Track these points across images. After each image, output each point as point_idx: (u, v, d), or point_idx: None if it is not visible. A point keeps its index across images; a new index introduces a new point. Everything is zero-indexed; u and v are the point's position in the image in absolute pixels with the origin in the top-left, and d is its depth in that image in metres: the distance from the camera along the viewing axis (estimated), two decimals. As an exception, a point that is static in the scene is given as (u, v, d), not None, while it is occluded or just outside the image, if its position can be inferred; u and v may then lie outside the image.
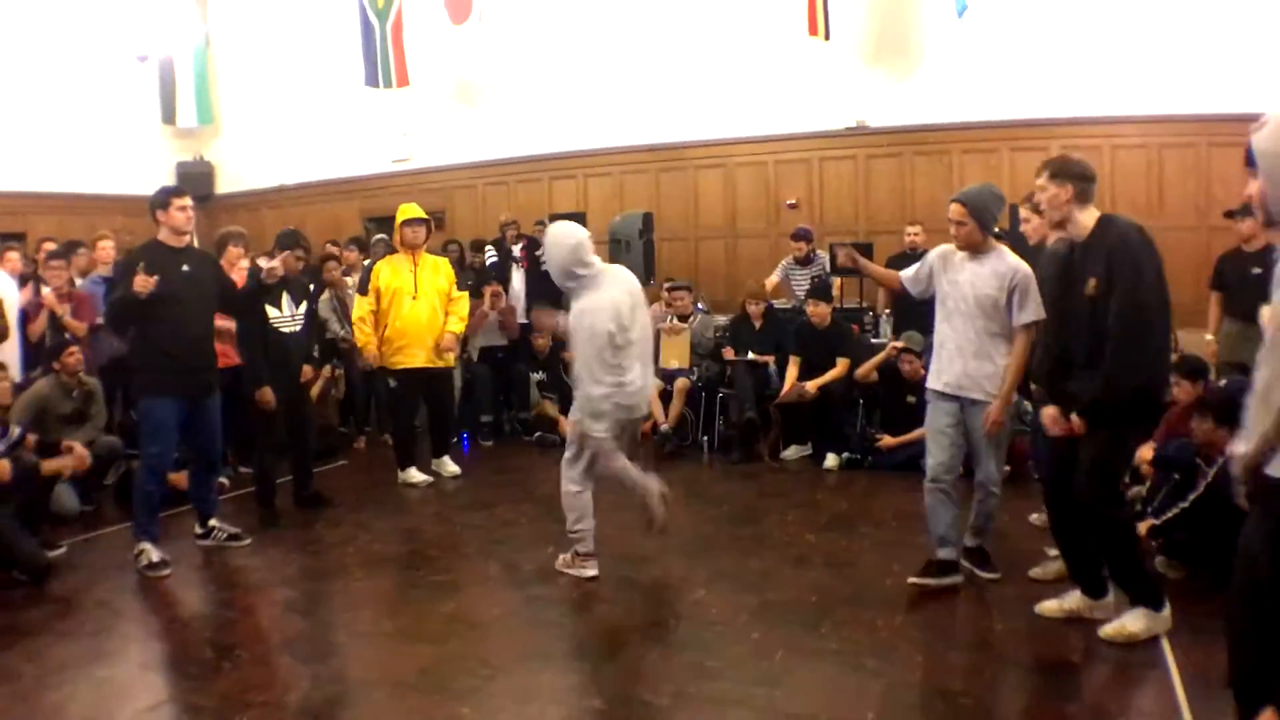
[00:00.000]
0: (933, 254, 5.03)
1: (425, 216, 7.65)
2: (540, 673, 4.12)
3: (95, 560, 5.88)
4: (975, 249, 4.82)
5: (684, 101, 11.02)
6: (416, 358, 7.53)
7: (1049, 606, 4.46)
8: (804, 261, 9.42)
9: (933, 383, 4.99)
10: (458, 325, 7.81)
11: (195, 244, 7.89)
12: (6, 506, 5.61)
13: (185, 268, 5.70)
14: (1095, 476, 4.01)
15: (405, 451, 7.72)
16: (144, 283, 5.35)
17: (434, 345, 7.58)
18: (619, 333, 5.07)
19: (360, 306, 7.60)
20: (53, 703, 3.95)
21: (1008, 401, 4.79)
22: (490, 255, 10.44)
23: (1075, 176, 4.07)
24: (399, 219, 7.60)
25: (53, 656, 4.44)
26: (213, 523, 6.13)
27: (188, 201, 5.79)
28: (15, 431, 5.92)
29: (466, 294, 8.08)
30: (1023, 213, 5.60)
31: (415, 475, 7.62)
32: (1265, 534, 2.63)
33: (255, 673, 4.25)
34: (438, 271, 7.72)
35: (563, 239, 5.27)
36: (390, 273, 7.50)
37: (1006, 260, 4.79)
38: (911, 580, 4.86)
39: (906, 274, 5.17)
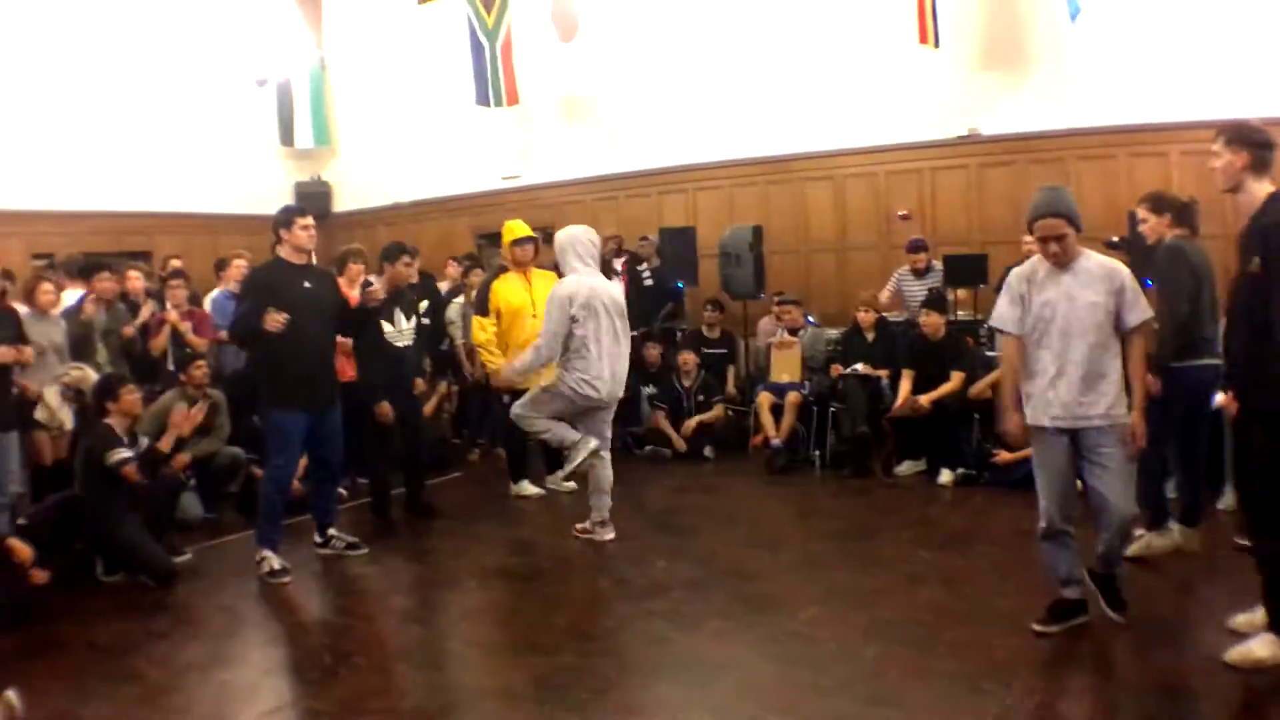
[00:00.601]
0: (1014, 281, 4.47)
1: (533, 234, 7.63)
2: (651, 686, 4.11)
3: (218, 567, 6.07)
4: (1069, 259, 4.34)
5: (792, 113, 10.93)
6: (542, 375, 7.54)
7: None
8: (920, 273, 9.25)
9: (1037, 418, 4.40)
10: None
11: (314, 261, 8.14)
12: (135, 514, 5.83)
13: (306, 284, 5.85)
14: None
15: (518, 465, 7.76)
16: (275, 321, 5.51)
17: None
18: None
19: (484, 329, 7.46)
20: (175, 705, 4.08)
21: (1145, 413, 4.33)
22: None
23: (1251, 144, 3.83)
24: (506, 238, 7.56)
25: (176, 660, 4.59)
26: (331, 532, 6.27)
27: (310, 220, 5.95)
28: (144, 442, 6.15)
29: None
30: (1140, 213, 5.41)
31: (528, 488, 7.67)
32: None
33: (372, 679, 4.32)
34: (551, 287, 7.73)
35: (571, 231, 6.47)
36: (508, 291, 7.44)
37: (1099, 260, 4.36)
38: (1036, 628, 4.39)
39: (1007, 328, 4.48)
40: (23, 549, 5.22)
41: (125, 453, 5.74)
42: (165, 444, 5.95)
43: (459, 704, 4.03)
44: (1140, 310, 4.30)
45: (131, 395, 6.06)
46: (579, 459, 6.15)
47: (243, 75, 13.47)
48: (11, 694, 3.85)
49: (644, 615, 4.97)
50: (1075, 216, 4.31)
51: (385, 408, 6.73)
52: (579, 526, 6.43)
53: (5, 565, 5.15)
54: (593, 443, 6.16)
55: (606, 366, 6.19)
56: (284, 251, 5.90)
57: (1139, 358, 4.33)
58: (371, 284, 6.35)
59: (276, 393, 5.80)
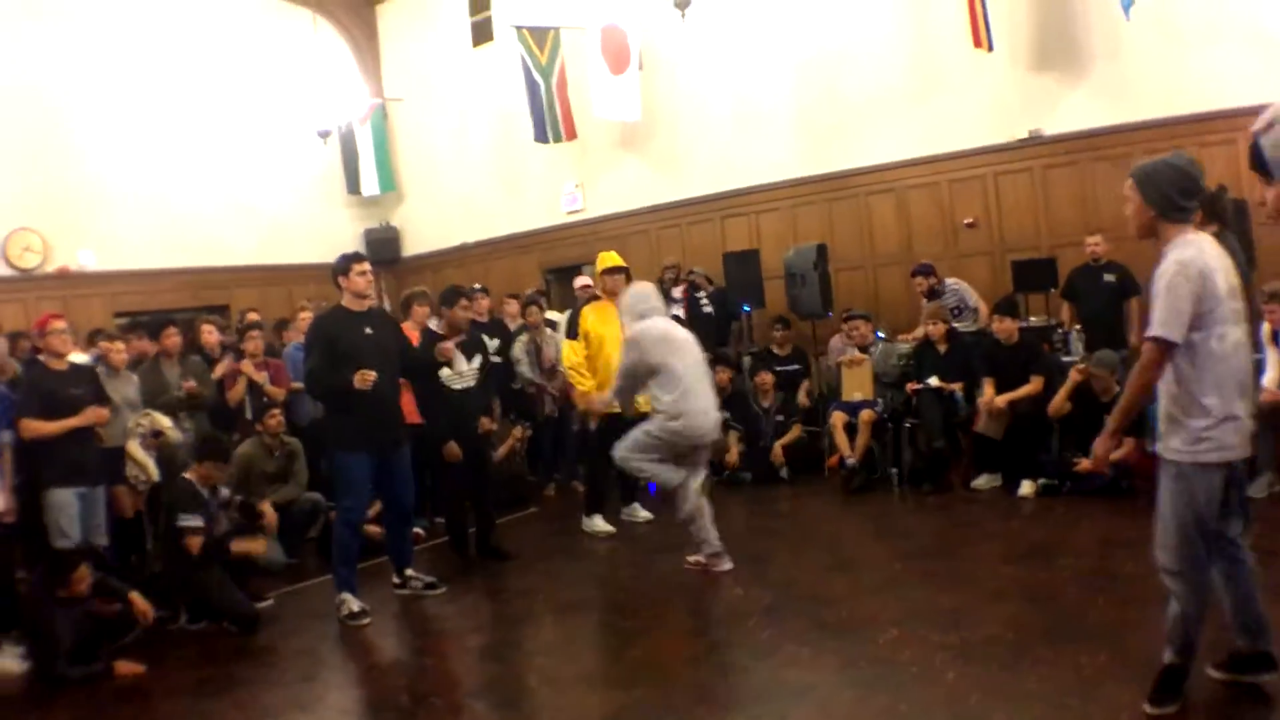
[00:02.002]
0: (1193, 274, 3.41)
1: (624, 265, 7.72)
2: (727, 717, 4.05)
3: (298, 611, 6.16)
4: (1154, 239, 3.64)
5: (850, 128, 10.84)
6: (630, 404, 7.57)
7: None
8: (930, 295, 9.10)
9: (1218, 453, 3.47)
10: None
11: (385, 305, 8.28)
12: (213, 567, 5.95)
13: (368, 330, 5.93)
14: None
15: (597, 498, 7.72)
16: (363, 379, 5.62)
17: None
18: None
19: (575, 352, 7.58)
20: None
21: (1108, 440, 3.75)
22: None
23: None
24: (599, 267, 7.70)
25: (258, 704, 4.67)
26: (409, 572, 6.32)
27: (367, 266, 6.06)
28: (224, 492, 6.28)
29: None
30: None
31: (600, 525, 7.59)
32: None
33: (449, 718, 4.33)
34: None
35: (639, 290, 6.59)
36: (597, 319, 7.52)
37: (1169, 253, 3.51)
38: (1148, 711, 3.64)
39: (1174, 336, 3.46)
40: (143, 603, 5.45)
41: (194, 521, 5.85)
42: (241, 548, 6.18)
43: (535, 742, 4.02)
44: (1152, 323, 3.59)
45: (214, 471, 6.18)
46: (689, 505, 6.14)
47: (308, 127, 13.78)
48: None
49: (721, 644, 4.93)
50: (1146, 182, 3.60)
51: (453, 448, 6.81)
52: (692, 559, 6.29)
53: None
54: (696, 483, 6.16)
55: (700, 402, 6.20)
56: (345, 299, 6.00)
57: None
58: (435, 332, 6.45)
59: (342, 436, 5.89)
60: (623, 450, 6.34)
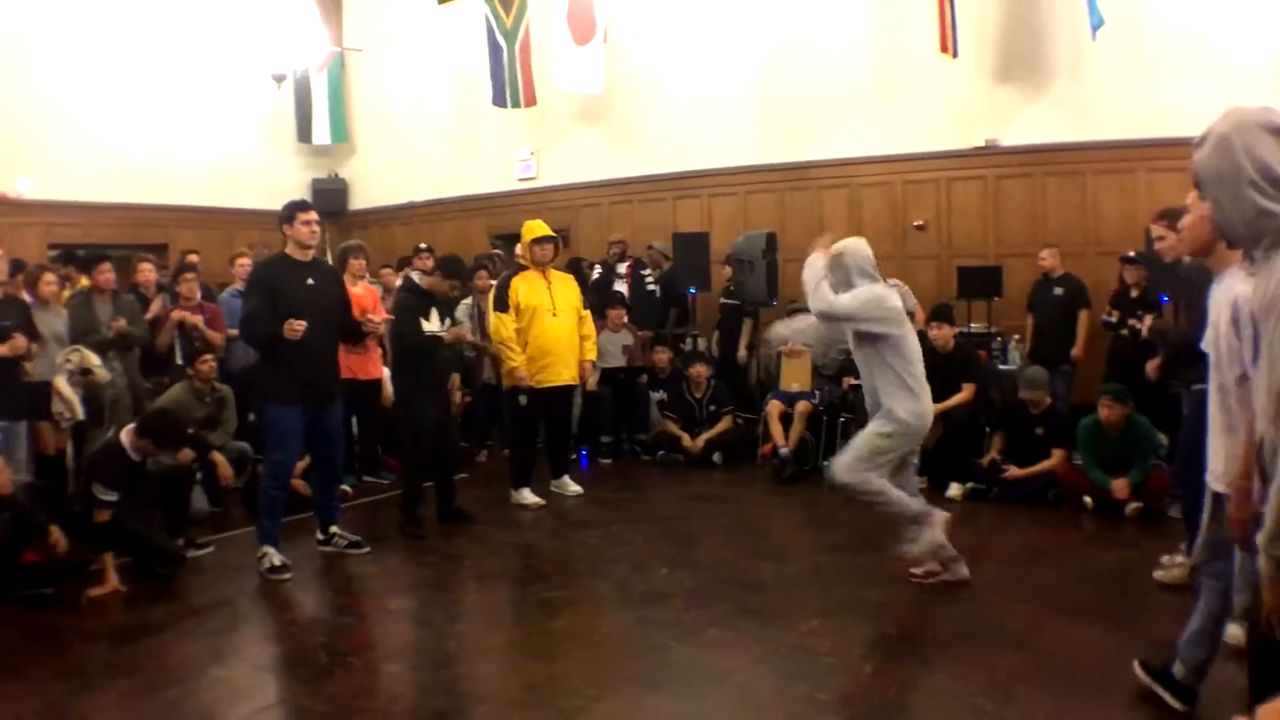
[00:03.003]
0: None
1: (553, 234, 7.62)
2: (647, 696, 4.06)
3: (220, 561, 6.06)
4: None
5: (810, 120, 10.87)
6: (561, 375, 7.47)
7: None
8: None
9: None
10: (593, 353, 7.81)
11: (329, 258, 8.16)
12: (151, 510, 5.83)
13: (310, 281, 5.81)
14: None
15: (524, 470, 7.64)
16: (291, 330, 5.50)
17: (575, 363, 7.58)
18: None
19: (505, 325, 7.33)
20: (169, 699, 4.05)
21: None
22: (596, 272, 10.50)
23: None
24: (527, 237, 7.54)
25: (174, 654, 4.59)
26: (334, 530, 6.24)
27: (313, 216, 5.91)
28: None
29: (590, 313, 8.06)
30: (1156, 230, 5.13)
31: (528, 497, 7.54)
32: None
33: (366, 679, 4.31)
34: (569, 287, 7.67)
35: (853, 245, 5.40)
36: (528, 289, 7.40)
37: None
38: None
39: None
40: (61, 538, 5.33)
41: (108, 496, 5.52)
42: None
43: (452, 708, 3.98)
44: None
45: (150, 449, 5.87)
46: (931, 540, 5.25)
47: (262, 71, 13.47)
48: None
49: (644, 623, 4.93)
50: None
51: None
52: (918, 572, 5.43)
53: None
54: (940, 517, 5.31)
55: (928, 389, 5.37)
56: (289, 247, 5.88)
57: None
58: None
59: (275, 387, 5.77)
60: (848, 472, 5.24)
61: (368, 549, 6.20)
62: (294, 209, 5.90)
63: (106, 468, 5.55)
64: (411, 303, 6.81)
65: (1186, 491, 5.01)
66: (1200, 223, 3.43)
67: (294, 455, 6.04)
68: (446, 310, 7.00)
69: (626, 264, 10.43)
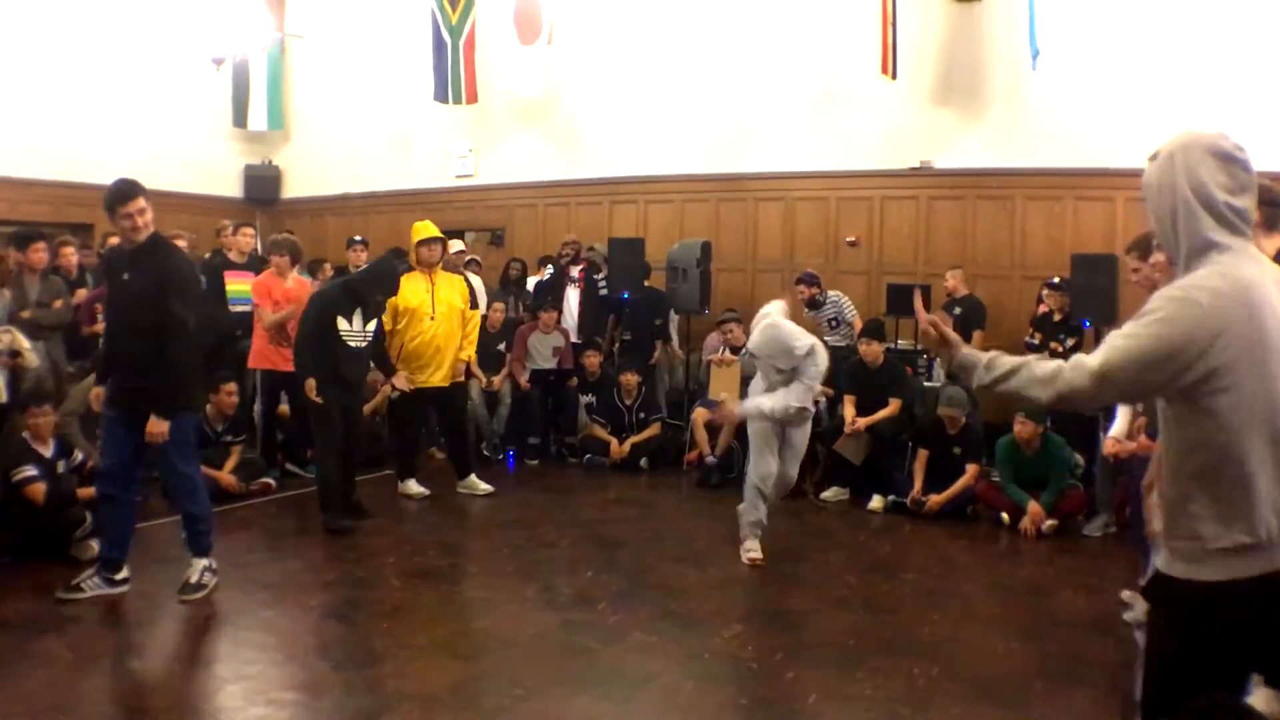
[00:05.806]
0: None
1: (441, 235, 7.66)
2: (571, 698, 4.10)
3: (140, 553, 5.91)
4: None
5: (749, 132, 10.99)
6: (433, 377, 7.52)
7: None
8: (811, 305, 9.37)
9: None
10: (470, 352, 7.88)
11: (257, 246, 8.02)
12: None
13: (125, 276, 5.14)
14: None
15: (405, 462, 7.74)
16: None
17: (451, 364, 7.63)
18: None
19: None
20: (84, 691, 4.01)
21: None
22: (548, 272, 10.48)
23: (1265, 202, 3.14)
24: (415, 238, 7.55)
25: (92, 646, 4.53)
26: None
27: (134, 208, 5.09)
28: (78, 456, 6.06)
29: (478, 313, 8.16)
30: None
31: (414, 487, 7.60)
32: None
33: (288, 673, 4.27)
34: (454, 288, 7.71)
35: None
36: (408, 292, 7.41)
37: None
38: None
39: None
40: None
41: (29, 471, 5.55)
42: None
43: (376, 706, 3.97)
44: None
45: (41, 419, 5.86)
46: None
47: (199, 52, 13.19)
48: None
49: (568, 625, 4.96)
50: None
51: (312, 384, 6.57)
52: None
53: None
54: None
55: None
56: (116, 237, 5.38)
57: None
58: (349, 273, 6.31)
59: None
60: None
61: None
62: (114, 198, 5.09)
63: (13, 453, 5.62)
64: (333, 295, 6.76)
65: (1133, 520, 5.02)
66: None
67: (118, 463, 5.11)
68: (373, 313, 6.92)
69: (580, 266, 10.35)
